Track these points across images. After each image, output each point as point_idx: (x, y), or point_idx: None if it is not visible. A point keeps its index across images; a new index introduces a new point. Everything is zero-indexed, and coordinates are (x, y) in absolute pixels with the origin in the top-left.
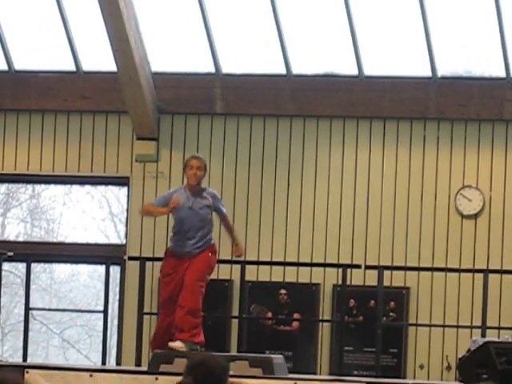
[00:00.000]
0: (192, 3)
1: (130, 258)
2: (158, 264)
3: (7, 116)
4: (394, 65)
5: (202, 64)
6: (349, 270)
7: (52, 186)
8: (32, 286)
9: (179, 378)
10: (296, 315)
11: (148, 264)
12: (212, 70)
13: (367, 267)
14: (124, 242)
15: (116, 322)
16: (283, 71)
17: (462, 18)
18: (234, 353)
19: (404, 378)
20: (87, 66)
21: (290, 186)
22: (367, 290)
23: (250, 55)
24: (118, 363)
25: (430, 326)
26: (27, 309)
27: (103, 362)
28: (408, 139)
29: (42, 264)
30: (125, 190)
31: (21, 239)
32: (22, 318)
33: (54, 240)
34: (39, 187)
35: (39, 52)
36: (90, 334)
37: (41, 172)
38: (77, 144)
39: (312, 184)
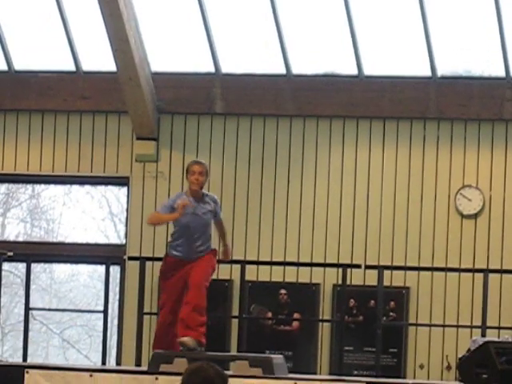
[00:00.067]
0: (192, 3)
1: (130, 258)
2: (158, 264)
3: (7, 116)
4: (393, 65)
5: (202, 64)
6: (349, 270)
7: (52, 186)
8: (32, 286)
9: (179, 378)
10: (296, 315)
11: (148, 264)
12: (212, 69)
13: (367, 267)
14: (124, 241)
15: (116, 321)
16: (283, 71)
17: (462, 18)
18: (233, 353)
19: (404, 377)
20: (87, 66)
21: (290, 186)
22: (367, 289)
23: (249, 55)
24: (118, 363)
25: (430, 325)
26: (27, 309)
27: (103, 362)
28: (408, 139)
29: (41, 264)
30: (125, 189)
31: (21, 239)
32: (22, 318)
33: (54, 240)
34: (39, 187)
35: (39, 52)
36: (90, 333)
37: (41, 172)
38: (77, 144)
39: (312, 184)
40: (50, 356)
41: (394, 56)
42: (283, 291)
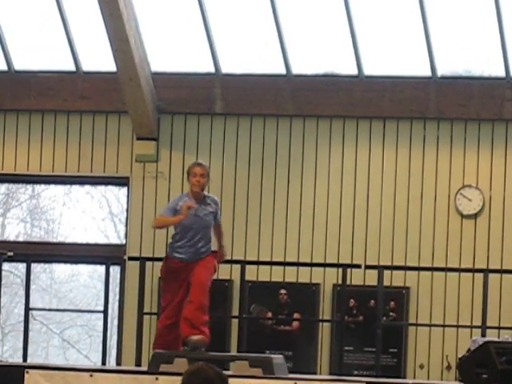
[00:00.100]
0: (192, 3)
1: (130, 258)
2: (158, 264)
3: (7, 116)
4: (393, 65)
5: (202, 64)
6: (349, 270)
7: (52, 186)
8: (32, 286)
9: (179, 378)
10: (296, 315)
11: (148, 264)
12: (212, 69)
13: (367, 267)
14: (124, 242)
15: (116, 322)
16: (283, 71)
17: (462, 18)
18: (234, 353)
19: (404, 377)
20: (87, 66)
21: (290, 187)
22: (367, 289)
23: (249, 55)
24: (118, 363)
25: (430, 325)
26: (27, 309)
27: (103, 362)
28: (408, 139)
29: (41, 264)
30: (125, 190)
31: (21, 239)
32: (22, 318)
33: (54, 240)
34: (39, 187)
35: (39, 52)
36: (90, 334)
37: (41, 172)
38: (77, 144)
39: (312, 184)
40: (50, 356)
41: (394, 56)
42: (283, 291)
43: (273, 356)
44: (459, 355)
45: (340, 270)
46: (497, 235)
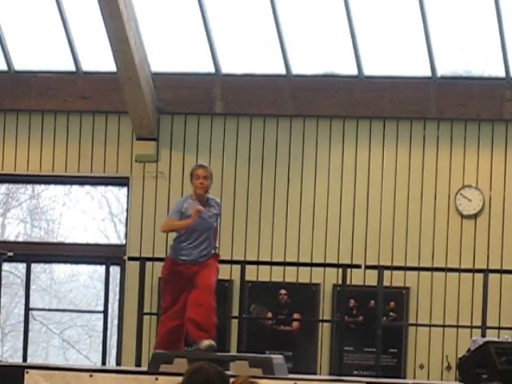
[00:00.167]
0: (192, 4)
1: (130, 259)
2: (158, 264)
3: (7, 116)
4: (393, 65)
5: (202, 64)
6: (349, 270)
7: (52, 187)
8: (32, 287)
9: (179, 379)
10: (296, 315)
11: (148, 264)
12: (212, 70)
13: (367, 267)
14: (124, 242)
15: (116, 322)
16: (283, 71)
17: (462, 18)
18: (233, 353)
19: (404, 377)
20: (87, 66)
21: (290, 187)
22: (367, 289)
23: (249, 55)
24: (118, 363)
25: (430, 325)
26: (27, 309)
27: (103, 363)
28: (408, 139)
29: (41, 264)
30: (125, 190)
31: (21, 239)
32: (22, 319)
33: (54, 240)
34: (39, 187)
35: (39, 52)
36: (90, 334)
37: (40, 172)
38: (76, 144)
39: (312, 184)
40: (50, 356)
41: (394, 56)
42: (283, 291)
43: (273, 356)
44: (459, 355)
45: (340, 270)
46: (497, 235)
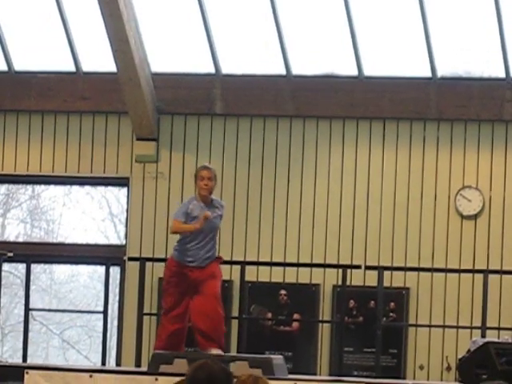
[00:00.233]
0: (192, 4)
1: (130, 259)
2: (158, 264)
3: (7, 116)
4: (393, 65)
5: (202, 64)
6: (349, 271)
7: (52, 187)
8: (32, 287)
9: (179, 379)
10: (296, 316)
11: (148, 264)
12: (212, 70)
13: (367, 268)
14: (124, 242)
15: (116, 322)
16: (283, 72)
17: (462, 19)
18: (233, 353)
19: (404, 378)
20: (87, 66)
21: (290, 187)
22: (367, 290)
23: (249, 56)
24: (118, 364)
25: (430, 326)
26: (27, 309)
27: (103, 363)
28: (408, 140)
29: (41, 265)
30: (124, 190)
31: (21, 240)
32: (22, 319)
33: (54, 241)
34: (39, 188)
35: (39, 53)
36: (90, 334)
37: (40, 173)
38: (76, 145)
39: (312, 185)
40: (50, 357)
41: (394, 56)
42: (283, 292)
43: (272, 357)
44: (459, 356)
45: (340, 270)
46: (497, 236)
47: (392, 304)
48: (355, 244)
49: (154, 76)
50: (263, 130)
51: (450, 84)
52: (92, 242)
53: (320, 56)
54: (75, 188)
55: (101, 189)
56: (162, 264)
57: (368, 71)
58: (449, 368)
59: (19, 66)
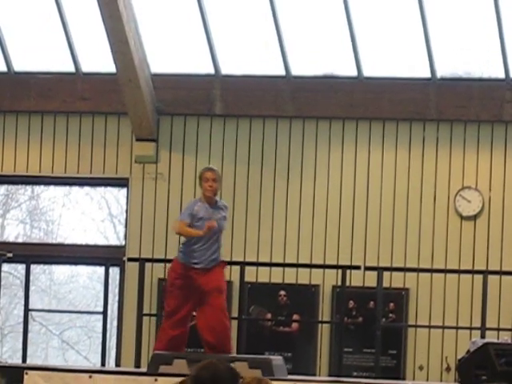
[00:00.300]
0: (192, 4)
1: (130, 259)
2: (157, 265)
3: (6, 117)
4: (393, 66)
5: (202, 65)
6: (348, 271)
7: (51, 187)
8: (31, 287)
9: (179, 379)
10: (295, 316)
11: (147, 265)
12: (211, 71)
13: (366, 268)
14: (123, 243)
15: (115, 323)
16: (283, 72)
17: (462, 20)
18: (233, 354)
19: (403, 379)
20: (86, 67)
21: (290, 188)
22: (367, 291)
23: (249, 56)
24: (118, 364)
25: (430, 327)
26: (26, 310)
27: (102, 364)
28: (407, 140)
29: (41, 265)
30: (124, 191)
31: (20, 240)
32: (22, 319)
33: (54, 241)
34: (38, 188)
35: (38, 53)
36: (90, 335)
37: (40, 173)
38: (76, 145)
39: (311, 186)
40: (50, 357)
41: (394, 57)
42: (283, 292)
43: (272, 357)
44: (459, 356)
45: (339, 271)
46: (496, 237)
47: (391, 304)
48: (355, 245)
49: (154, 77)
50: (263, 130)
51: (449, 85)
52: (91, 242)
53: (320, 57)
54: (75, 189)
55: (100, 189)
56: (162, 264)
57: (367, 72)
58: (448, 369)
59: (19, 66)
